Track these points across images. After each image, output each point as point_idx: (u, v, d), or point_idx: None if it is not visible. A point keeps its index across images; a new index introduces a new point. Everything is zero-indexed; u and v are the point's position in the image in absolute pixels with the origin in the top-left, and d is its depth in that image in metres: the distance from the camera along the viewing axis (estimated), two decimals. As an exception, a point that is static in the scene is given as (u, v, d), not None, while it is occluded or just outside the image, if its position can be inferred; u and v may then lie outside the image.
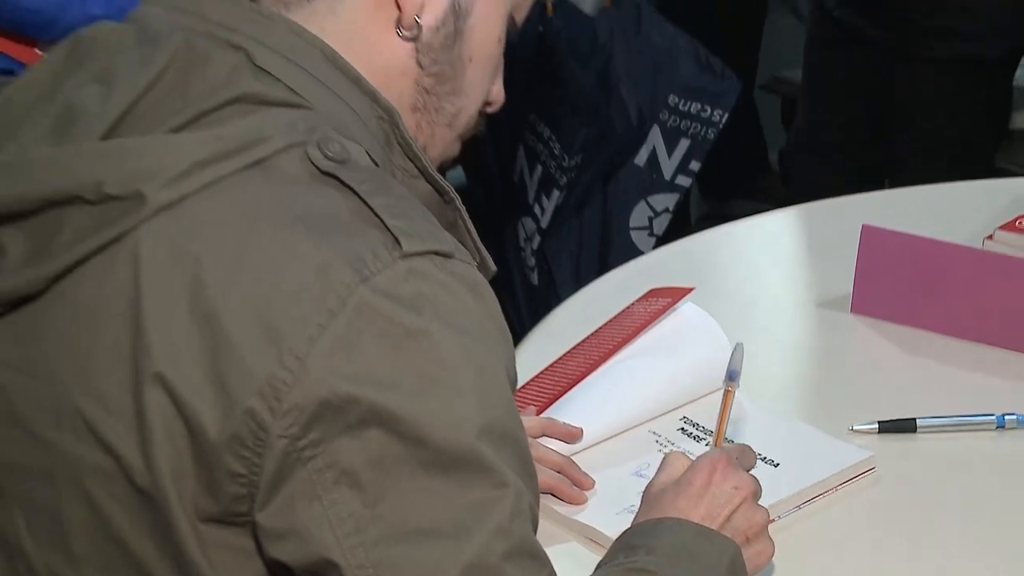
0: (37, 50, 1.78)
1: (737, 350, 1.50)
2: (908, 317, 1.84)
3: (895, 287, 1.84)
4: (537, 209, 2.47)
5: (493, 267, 1.24)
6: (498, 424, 1.09)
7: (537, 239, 2.46)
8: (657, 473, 1.37)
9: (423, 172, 1.25)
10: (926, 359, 1.80)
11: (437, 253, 1.08)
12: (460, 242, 1.17)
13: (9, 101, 1.24)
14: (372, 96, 1.22)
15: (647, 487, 1.36)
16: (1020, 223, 1.98)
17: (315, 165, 1.11)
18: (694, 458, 1.41)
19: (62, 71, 1.24)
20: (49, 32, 1.75)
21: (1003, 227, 1.98)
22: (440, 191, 1.26)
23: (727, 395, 1.48)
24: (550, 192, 2.45)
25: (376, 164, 1.18)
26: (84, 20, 1.66)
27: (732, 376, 1.48)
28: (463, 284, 1.10)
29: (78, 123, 1.16)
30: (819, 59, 3.29)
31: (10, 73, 1.74)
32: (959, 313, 1.81)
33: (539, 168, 2.47)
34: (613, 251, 2.43)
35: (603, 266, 2.37)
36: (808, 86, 3.38)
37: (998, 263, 1.85)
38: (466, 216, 1.27)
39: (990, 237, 1.97)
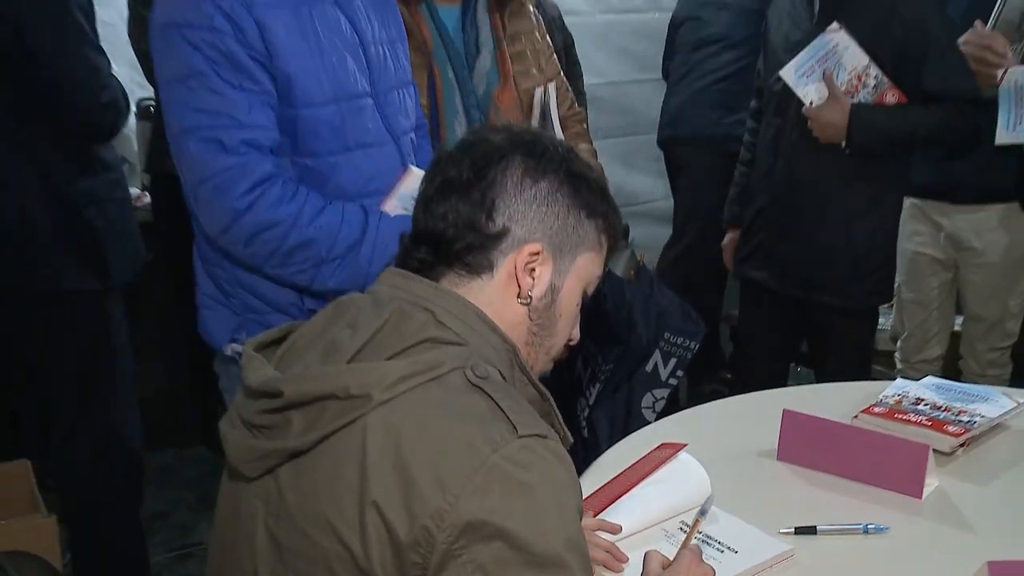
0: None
1: (709, 500, 1.55)
2: (811, 463, 1.81)
3: (804, 444, 1.82)
4: (588, 393, 2.45)
5: (571, 439, 1.26)
6: (571, 538, 1.10)
7: (587, 411, 2.44)
8: (646, 564, 1.37)
9: (531, 382, 1.27)
10: (821, 489, 1.76)
11: (539, 436, 1.11)
12: (551, 424, 1.21)
13: (301, 335, 1.29)
14: (503, 338, 1.25)
15: (643, 574, 1.37)
16: (872, 409, 1.96)
17: (470, 380, 1.14)
18: (675, 547, 1.47)
19: (329, 320, 1.28)
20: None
21: (863, 411, 1.96)
22: (541, 394, 1.28)
23: (697, 521, 1.51)
24: (594, 384, 2.44)
25: (504, 378, 1.21)
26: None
27: (703, 512, 1.52)
28: (553, 455, 1.12)
29: (336, 352, 1.20)
30: (744, 309, 3.19)
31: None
32: (840, 461, 1.78)
33: (589, 370, 2.46)
34: (631, 421, 2.39)
35: (626, 429, 2.34)
36: (740, 326, 3.31)
37: (861, 433, 1.82)
38: (556, 409, 1.29)
39: (856, 417, 1.94)
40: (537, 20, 2.42)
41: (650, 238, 4.68)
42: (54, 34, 2.42)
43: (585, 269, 1.31)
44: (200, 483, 3.65)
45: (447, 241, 1.25)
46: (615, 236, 1.35)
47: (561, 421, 1.27)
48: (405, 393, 1.11)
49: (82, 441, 2.78)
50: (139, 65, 3.56)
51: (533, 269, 1.26)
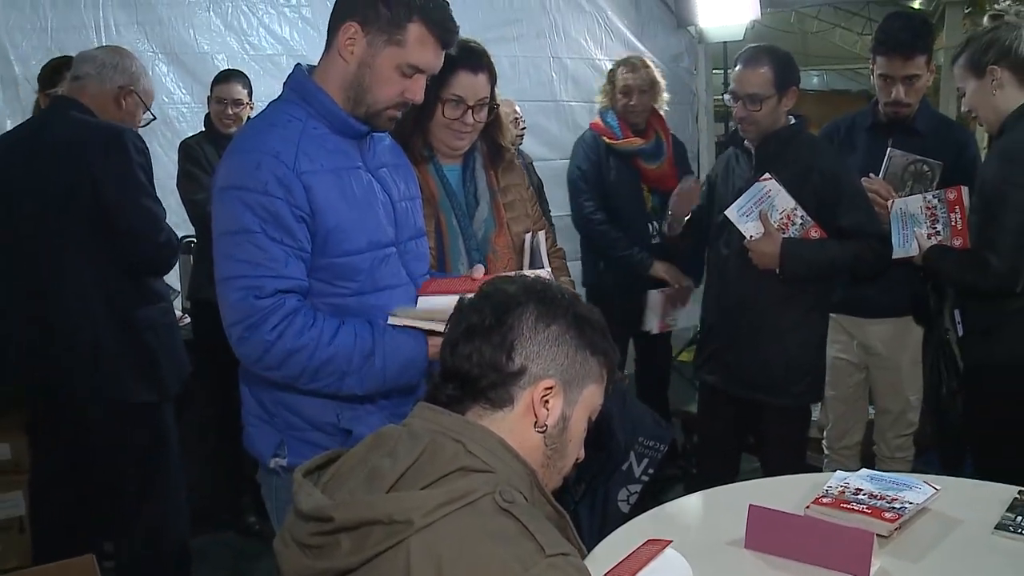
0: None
1: None
2: (774, 550, 1.74)
3: (767, 534, 1.76)
4: (574, 492, 2.37)
5: (585, 551, 1.23)
6: None
7: (573, 506, 2.36)
8: None
9: (549, 502, 1.22)
10: (784, 572, 1.69)
11: (562, 554, 1.06)
12: (567, 537, 1.16)
13: (345, 461, 1.23)
14: (523, 463, 1.20)
15: None
16: (820, 500, 1.90)
17: (499, 505, 1.09)
18: None
19: (370, 450, 1.22)
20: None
21: (813, 502, 1.90)
22: (558, 511, 1.23)
23: None
24: (580, 483, 2.37)
25: (527, 499, 1.16)
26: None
27: None
28: (575, 569, 1.07)
29: (378, 479, 1.15)
30: (701, 408, 3.15)
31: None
32: (798, 548, 1.71)
33: (575, 472, 2.36)
34: (609, 512, 2.32)
35: (604, 519, 2.29)
36: (698, 422, 3.27)
37: (815, 522, 1.78)
38: (571, 523, 1.24)
39: (808, 507, 1.88)
40: (523, 174, 2.42)
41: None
42: (120, 189, 2.50)
43: (590, 399, 1.28)
44: (232, 563, 3.56)
45: (472, 379, 1.22)
46: (614, 370, 1.32)
47: (576, 534, 1.22)
48: (443, 518, 1.06)
49: (138, 528, 2.73)
50: (185, 211, 3.65)
51: (547, 401, 1.23)
